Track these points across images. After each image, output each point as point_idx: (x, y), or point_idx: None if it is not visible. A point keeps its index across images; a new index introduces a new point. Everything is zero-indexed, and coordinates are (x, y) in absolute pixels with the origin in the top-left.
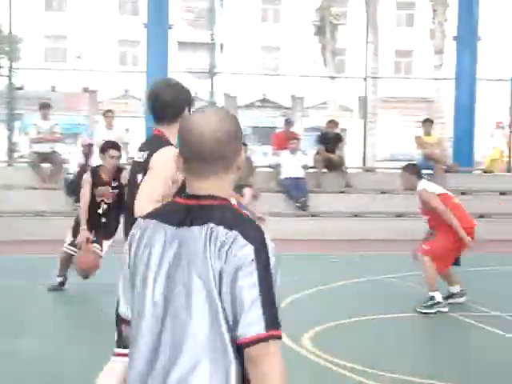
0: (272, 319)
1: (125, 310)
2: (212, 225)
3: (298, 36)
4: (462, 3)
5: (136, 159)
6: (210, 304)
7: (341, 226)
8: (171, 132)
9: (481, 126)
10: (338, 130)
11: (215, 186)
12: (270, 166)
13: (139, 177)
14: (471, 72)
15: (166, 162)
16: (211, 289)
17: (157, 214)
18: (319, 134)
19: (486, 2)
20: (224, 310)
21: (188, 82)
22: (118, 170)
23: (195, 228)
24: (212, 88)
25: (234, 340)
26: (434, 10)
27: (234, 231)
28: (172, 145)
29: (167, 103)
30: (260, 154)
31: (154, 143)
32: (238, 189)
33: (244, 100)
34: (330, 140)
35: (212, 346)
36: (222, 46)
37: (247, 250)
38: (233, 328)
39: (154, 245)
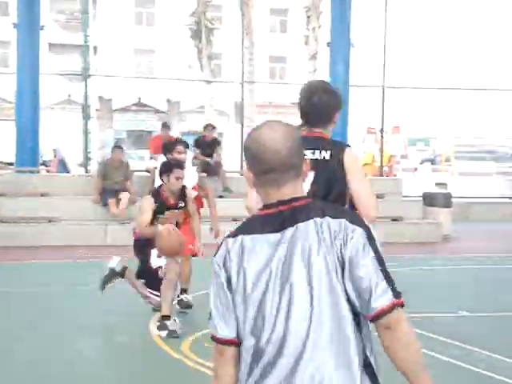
0: (396, 289)
1: (228, 333)
2: (317, 218)
3: (172, 39)
4: (335, 10)
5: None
6: (331, 289)
7: (220, 230)
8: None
9: (353, 131)
10: (215, 134)
11: (292, 189)
12: (147, 171)
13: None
14: (345, 78)
15: (359, 161)
16: (331, 274)
17: (245, 229)
18: (196, 138)
19: (359, 10)
20: (346, 291)
21: (60, 84)
22: (182, 188)
23: (302, 225)
24: (86, 91)
25: (355, 318)
26: (308, 17)
27: (341, 219)
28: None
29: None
30: (136, 159)
31: (331, 143)
32: (115, 193)
33: (119, 103)
34: (207, 144)
35: (335, 327)
36: (95, 48)
37: (358, 233)
38: (363, 305)
39: (259, 253)
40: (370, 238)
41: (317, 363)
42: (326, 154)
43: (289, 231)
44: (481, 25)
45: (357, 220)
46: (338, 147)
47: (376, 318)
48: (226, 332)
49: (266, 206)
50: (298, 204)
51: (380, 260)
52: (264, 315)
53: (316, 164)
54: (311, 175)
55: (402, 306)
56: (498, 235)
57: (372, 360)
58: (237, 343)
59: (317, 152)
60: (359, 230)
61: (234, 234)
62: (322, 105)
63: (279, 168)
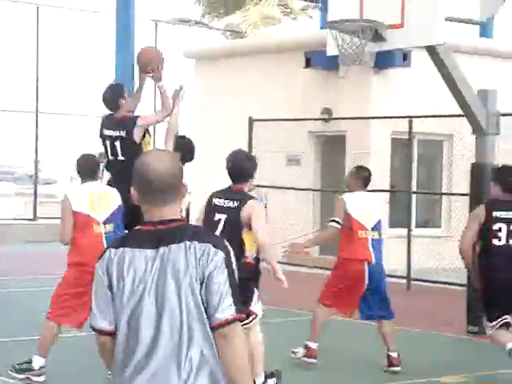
0: (239, 306)
1: (104, 324)
2: (187, 241)
3: None
4: None
5: (219, 203)
6: (195, 301)
7: None
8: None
9: None
10: None
11: (171, 210)
12: None
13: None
14: None
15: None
16: (195, 289)
17: (127, 242)
18: None
19: None
20: (202, 303)
21: None
22: None
23: (174, 246)
24: None
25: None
26: None
27: (206, 243)
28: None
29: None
30: None
31: (236, 195)
32: None
33: None
34: None
35: (202, 333)
36: None
37: (219, 256)
38: (209, 313)
39: (137, 266)
40: (229, 262)
41: (190, 355)
42: (236, 203)
43: (162, 250)
44: None
45: (220, 245)
46: (246, 199)
47: (218, 327)
48: (104, 324)
49: (146, 223)
50: (174, 225)
51: (232, 281)
52: (138, 322)
53: (228, 210)
54: (224, 217)
55: (240, 320)
56: (19, 257)
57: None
58: (113, 334)
59: (232, 201)
60: (220, 254)
61: (116, 245)
62: (240, 169)
63: (162, 189)
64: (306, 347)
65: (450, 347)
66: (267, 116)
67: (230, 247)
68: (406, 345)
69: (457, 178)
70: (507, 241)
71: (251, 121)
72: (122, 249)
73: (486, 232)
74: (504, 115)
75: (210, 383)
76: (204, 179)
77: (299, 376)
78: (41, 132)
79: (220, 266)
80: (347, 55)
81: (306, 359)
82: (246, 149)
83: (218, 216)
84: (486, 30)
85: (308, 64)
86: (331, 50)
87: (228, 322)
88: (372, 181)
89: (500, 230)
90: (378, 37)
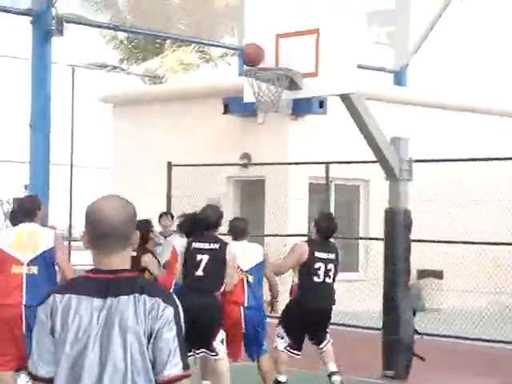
0: (186, 363)
1: (43, 371)
2: (137, 294)
3: None
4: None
5: (199, 246)
6: (142, 355)
7: None
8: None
9: None
10: None
11: (121, 259)
12: None
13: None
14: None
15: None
16: (143, 343)
17: (74, 289)
18: None
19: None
20: (149, 359)
21: None
22: None
23: (123, 298)
24: None
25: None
26: None
27: (155, 298)
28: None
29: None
30: None
31: (216, 239)
32: None
33: None
34: None
35: None
36: None
37: (168, 312)
38: (157, 370)
39: (83, 314)
40: (177, 317)
41: None
42: (216, 245)
43: (110, 300)
44: None
45: (169, 300)
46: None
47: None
48: (43, 371)
49: (95, 270)
50: (123, 276)
51: (180, 337)
52: (80, 372)
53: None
54: (206, 257)
55: (188, 377)
56: None
57: None
58: (52, 382)
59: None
60: (170, 309)
61: (61, 291)
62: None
63: (111, 235)
64: None
65: None
66: (186, 161)
67: (178, 302)
68: None
69: (373, 222)
70: (324, 279)
71: (170, 165)
72: (68, 295)
73: (306, 269)
74: (417, 161)
75: None
76: None
77: None
78: None
79: (169, 323)
80: (264, 102)
81: None
82: (165, 194)
83: (199, 257)
84: (399, 78)
85: (226, 110)
86: (248, 97)
87: (176, 379)
88: (290, 225)
89: (319, 268)
90: (293, 85)
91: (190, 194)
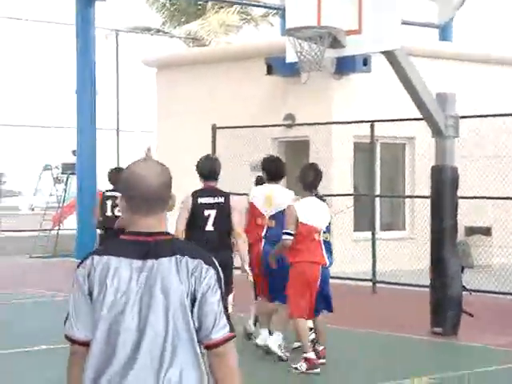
0: (231, 325)
1: (80, 334)
2: (178, 255)
3: None
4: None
5: (205, 201)
6: (184, 318)
7: None
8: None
9: None
10: None
11: (158, 222)
12: None
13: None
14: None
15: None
16: (185, 305)
17: (112, 251)
18: None
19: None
20: (193, 321)
21: None
22: None
23: (164, 260)
24: None
25: (200, 343)
26: None
27: (198, 259)
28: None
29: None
30: None
31: (221, 192)
32: None
33: None
34: None
35: (186, 353)
36: None
37: (211, 273)
38: (204, 333)
39: (122, 276)
40: (220, 279)
41: (169, 376)
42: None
43: (151, 262)
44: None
45: (211, 262)
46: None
47: (213, 347)
48: (81, 334)
49: (132, 233)
50: (162, 238)
51: (223, 299)
52: (116, 335)
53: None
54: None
55: (234, 337)
56: None
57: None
58: (88, 345)
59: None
60: (212, 271)
61: (100, 252)
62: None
63: (151, 198)
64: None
65: (415, 349)
66: (230, 123)
67: (217, 263)
68: (371, 347)
69: (419, 180)
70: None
71: (214, 128)
72: (106, 257)
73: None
74: (463, 117)
75: None
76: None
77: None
78: (3, 144)
79: (213, 286)
80: (306, 62)
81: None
82: None
83: (207, 212)
84: (445, 33)
85: (269, 71)
86: (291, 57)
87: (223, 342)
88: (334, 186)
89: None
90: (336, 43)
91: (235, 155)
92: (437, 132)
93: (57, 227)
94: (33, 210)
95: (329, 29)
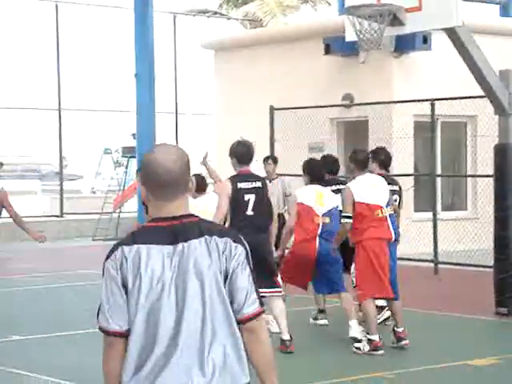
0: (260, 300)
1: (115, 326)
2: (207, 236)
3: None
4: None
5: (245, 186)
6: (220, 295)
7: None
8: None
9: None
10: None
11: (182, 205)
12: None
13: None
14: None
15: None
16: (220, 283)
17: (141, 239)
18: None
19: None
20: (228, 297)
21: None
22: None
23: (193, 241)
24: None
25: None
26: None
27: (226, 238)
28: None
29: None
30: None
31: (257, 177)
32: None
33: None
34: None
35: (225, 330)
36: None
37: (240, 250)
38: (236, 309)
39: (154, 263)
40: (248, 256)
41: (212, 356)
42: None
43: (181, 246)
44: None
45: (238, 239)
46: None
47: (245, 322)
48: (116, 326)
49: (157, 219)
50: (188, 221)
51: (252, 273)
52: (156, 321)
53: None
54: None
55: (264, 312)
56: (47, 254)
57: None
58: (126, 336)
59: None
60: (241, 248)
61: (127, 243)
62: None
63: (173, 182)
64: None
65: (479, 329)
66: (288, 104)
67: (244, 241)
68: (434, 328)
69: (481, 159)
70: None
71: (272, 109)
72: (136, 246)
73: None
74: None
75: (231, 381)
76: (226, 167)
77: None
78: (65, 128)
79: (242, 263)
80: (366, 40)
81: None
82: (268, 137)
83: (247, 197)
84: (506, 9)
85: (327, 50)
86: (350, 36)
87: (255, 316)
88: (396, 165)
89: None
90: (396, 21)
91: (293, 137)
92: (500, 110)
93: (118, 210)
94: (94, 193)
95: (389, 6)
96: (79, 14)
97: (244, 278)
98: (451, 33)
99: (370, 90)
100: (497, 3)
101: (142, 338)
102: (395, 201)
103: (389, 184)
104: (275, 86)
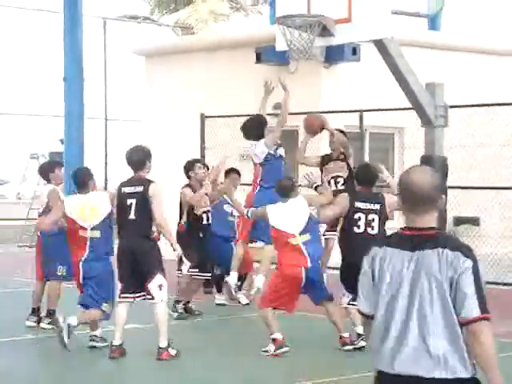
0: (484, 307)
1: (367, 309)
2: (440, 248)
3: None
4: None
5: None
6: (442, 299)
7: None
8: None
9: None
10: None
11: (429, 220)
12: None
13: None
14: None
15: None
16: (444, 289)
17: (390, 243)
18: None
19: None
20: (453, 303)
21: None
22: None
23: (428, 251)
24: None
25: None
26: None
27: (456, 252)
28: None
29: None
30: None
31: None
32: None
33: None
34: None
35: (446, 328)
36: None
37: (467, 264)
38: (459, 312)
39: (396, 264)
40: (476, 269)
41: (433, 346)
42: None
43: (417, 253)
44: None
45: (469, 253)
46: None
47: (465, 324)
48: (368, 309)
49: (406, 228)
50: (429, 233)
51: (478, 285)
52: (392, 310)
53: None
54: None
55: (487, 319)
56: None
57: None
58: (373, 317)
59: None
60: (469, 262)
61: (380, 244)
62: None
63: (425, 200)
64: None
65: None
66: (220, 112)
67: (476, 256)
68: None
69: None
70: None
71: (203, 117)
72: (384, 248)
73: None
74: (453, 107)
75: (451, 373)
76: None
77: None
78: None
79: (467, 272)
80: (296, 50)
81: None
82: (198, 145)
83: (129, 201)
84: (434, 22)
85: (259, 59)
86: (280, 45)
87: (474, 320)
88: None
89: (360, 218)
90: (326, 31)
91: (223, 145)
92: (426, 122)
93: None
94: (20, 198)
95: (318, 17)
96: (7, 17)
97: (465, 285)
98: (380, 45)
99: (300, 99)
100: (424, 17)
101: (382, 320)
102: (372, 220)
103: (370, 203)
104: (207, 94)
